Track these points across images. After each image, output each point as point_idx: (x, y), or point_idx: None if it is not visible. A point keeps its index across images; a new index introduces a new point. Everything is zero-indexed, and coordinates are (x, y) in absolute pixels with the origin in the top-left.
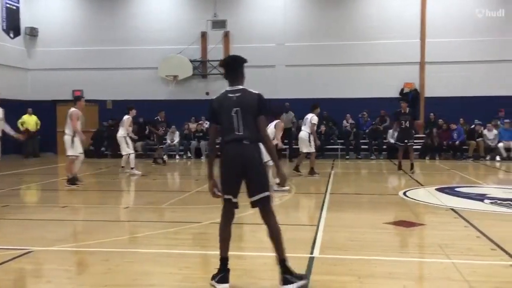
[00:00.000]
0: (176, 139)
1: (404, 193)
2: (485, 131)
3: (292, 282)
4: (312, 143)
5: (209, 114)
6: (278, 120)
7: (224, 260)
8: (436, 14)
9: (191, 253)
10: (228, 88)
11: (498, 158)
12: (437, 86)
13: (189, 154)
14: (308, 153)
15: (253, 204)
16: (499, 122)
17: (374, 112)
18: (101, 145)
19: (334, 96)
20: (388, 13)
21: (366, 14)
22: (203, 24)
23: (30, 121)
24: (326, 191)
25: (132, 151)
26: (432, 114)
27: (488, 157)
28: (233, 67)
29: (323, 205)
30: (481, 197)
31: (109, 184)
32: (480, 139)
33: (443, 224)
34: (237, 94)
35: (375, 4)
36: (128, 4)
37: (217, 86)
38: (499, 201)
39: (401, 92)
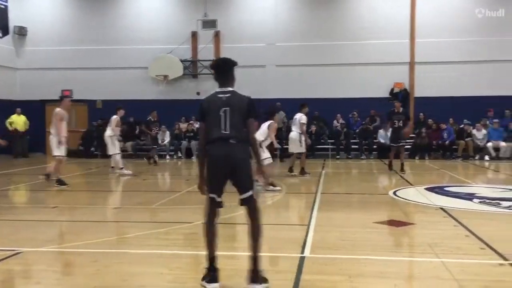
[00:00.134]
0: (167, 139)
1: (394, 193)
2: (474, 131)
3: (259, 282)
4: (303, 143)
5: (199, 113)
6: (272, 121)
7: (212, 259)
8: (426, 15)
9: (182, 253)
10: (218, 90)
11: (487, 157)
12: (427, 86)
13: (179, 154)
14: (299, 153)
15: (242, 202)
16: (488, 122)
17: (365, 112)
18: (91, 145)
19: (324, 96)
20: (378, 13)
21: (357, 14)
22: (194, 24)
23: (18, 121)
24: (317, 191)
25: (118, 151)
26: (421, 114)
27: (477, 157)
28: (224, 69)
29: (314, 205)
30: (470, 197)
31: (98, 184)
32: (469, 139)
33: (433, 224)
34: (227, 95)
35: (366, 5)
36: (118, 4)
37: (207, 86)
38: (487, 201)
39: (391, 92)
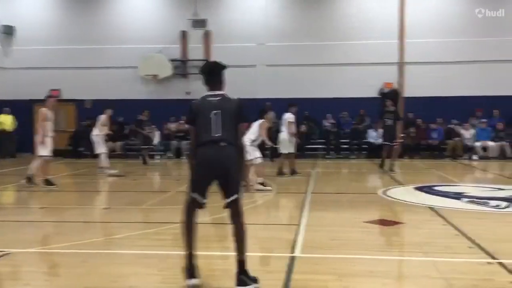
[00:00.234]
0: (156, 139)
1: (384, 192)
2: (463, 131)
3: (247, 284)
4: (293, 143)
5: (188, 116)
6: (263, 120)
7: (191, 256)
8: (415, 16)
9: (172, 253)
10: (208, 93)
11: (475, 157)
12: (416, 86)
13: (169, 154)
14: (288, 154)
15: (227, 205)
16: (476, 122)
17: (355, 112)
18: (79, 145)
19: (314, 96)
20: (368, 14)
21: (346, 14)
22: (183, 23)
23: (6, 120)
24: (307, 191)
25: (104, 151)
26: (411, 113)
27: (465, 156)
28: (213, 73)
29: (304, 204)
30: (458, 196)
31: (87, 184)
32: (457, 138)
33: (422, 223)
34: (217, 98)
35: (355, 5)
36: (107, 3)
37: (197, 86)
38: (476, 200)
39: (380, 92)
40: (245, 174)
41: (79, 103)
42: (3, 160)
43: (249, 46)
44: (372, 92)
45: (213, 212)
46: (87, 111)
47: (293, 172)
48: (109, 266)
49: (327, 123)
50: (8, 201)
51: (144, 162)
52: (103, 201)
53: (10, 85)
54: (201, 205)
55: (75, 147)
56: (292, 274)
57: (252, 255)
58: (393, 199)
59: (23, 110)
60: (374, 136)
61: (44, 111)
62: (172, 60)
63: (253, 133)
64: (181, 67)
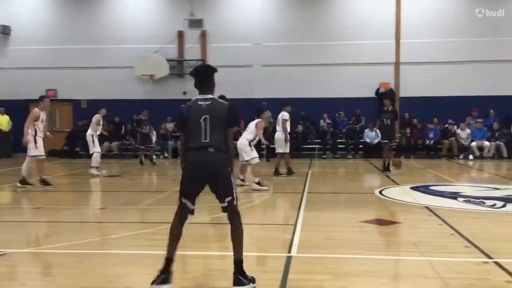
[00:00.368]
0: (153, 139)
1: (380, 192)
2: (458, 131)
3: (244, 284)
4: (288, 143)
5: (179, 121)
6: (259, 120)
7: (169, 260)
8: (410, 16)
9: None
10: (198, 97)
11: (471, 157)
12: (412, 86)
13: (166, 154)
14: (283, 153)
15: (224, 209)
16: (472, 122)
17: (351, 111)
18: (76, 145)
19: (311, 96)
20: (363, 14)
21: (342, 15)
22: (180, 23)
23: (2, 121)
24: (303, 191)
25: (98, 150)
26: (407, 113)
27: (461, 156)
28: (204, 76)
29: (300, 204)
30: (454, 196)
31: (84, 184)
32: (453, 138)
33: (418, 222)
34: (207, 102)
35: (351, 5)
36: (103, 3)
37: (193, 86)
38: (472, 199)
39: (377, 92)
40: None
41: (75, 103)
42: None
43: (245, 46)
44: (368, 92)
45: (212, 211)
46: (83, 111)
47: (289, 172)
48: (105, 266)
49: (324, 123)
50: (4, 202)
51: (141, 162)
52: (99, 201)
53: (6, 85)
54: (192, 212)
55: (71, 147)
56: (289, 274)
57: (248, 255)
58: (389, 198)
59: (18, 110)
60: (371, 136)
61: (36, 112)
62: (169, 60)
63: (250, 132)
64: (177, 67)
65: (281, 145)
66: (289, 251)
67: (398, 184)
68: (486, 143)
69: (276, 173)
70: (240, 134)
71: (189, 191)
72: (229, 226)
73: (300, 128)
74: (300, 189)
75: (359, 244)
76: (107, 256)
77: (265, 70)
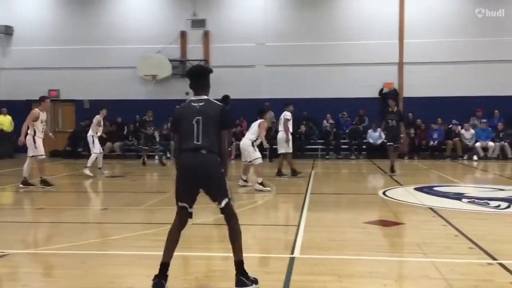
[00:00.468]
0: (156, 139)
1: (384, 193)
2: (462, 131)
3: (247, 285)
4: (290, 143)
5: (172, 123)
6: (262, 120)
7: (164, 265)
8: (414, 16)
9: None
10: (193, 98)
11: (475, 157)
12: (416, 86)
13: (168, 155)
14: (286, 154)
15: (222, 211)
16: (476, 122)
17: (354, 112)
18: (78, 146)
19: (314, 96)
20: (367, 14)
21: (346, 15)
22: (183, 23)
23: (4, 121)
24: (306, 191)
25: (97, 151)
26: (410, 114)
27: (465, 157)
28: (198, 77)
29: (303, 205)
30: (458, 196)
31: (86, 185)
32: (457, 139)
33: (422, 223)
34: (200, 104)
35: (355, 5)
36: (106, 3)
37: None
38: (476, 200)
39: (380, 92)
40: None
41: (78, 103)
42: (2, 161)
43: (248, 46)
44: (372, 92)
45: (215, 212)
46: (85, 111)
47: (294, 173)
48: (107, 267)
49: (327, 123)
50: (6, 202)
51: (144, 163)
52: (101, 202)
53: (9, 86)
54: (190, 215)
55: (74, 147)
56: (292, 275)
57: (251, 256)
58: (393, 199)
59: (21, 110)
60: (374, 136)
61: (36, 112)
62: (171, 60)
63: (253, 133)
64: (180, 67)
65: (283, 146)
66: (292, 252)
67: (401, 185)
68: (491, 143)
69: (279, 173)
70: (243, 135)
71: (184, 194)
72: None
73: (303, 128)
74: (303, 190)
75: (363, 245)
76: (109, 257)
77: (268, 70)
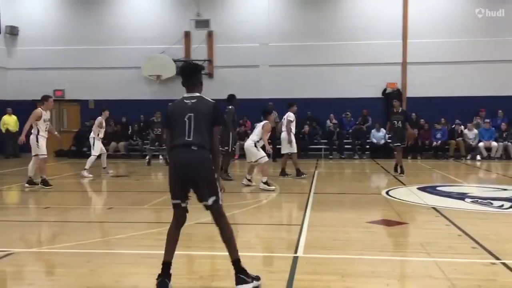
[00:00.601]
0: None
1: (387, 192)
2: (466, 131)
3: (247, 282)
4: (294, 144)
5: (164, 119)
6: (266, 121)
7: (166, 264)
8: (418, 16)
9: (175, 253)
10: (185, 95)
11: (478, 157)
12: (419, 86)
13: None
14: (291, 154)
15: (208, 208)
16: (479, 121)
17: (357, 112)
18: (83, 146)
19: (317, 96)
20: (370, 14)
21: (349, 15)
22: (186, 24)
23: (10, 121)
24: (310, 191)
25: (96, 154)
26: (414, 114)
27: (468, 157)
28: (190, 75)
29: (307, 204)
30: (462, 196)
31: (91, 185)
32: (460, 138)
33: (425, 223)
34: (192, 100)
35: (358, 6)
36: (110, 3)
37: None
38: (479, 200)
39: (384, 92)
40: (218, 180)
41: (82, 103)
42: (7, 160)
43: (252, 46)
44: (375, 92)
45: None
46: (90, 111)
47: (298, 173)
48: (113, 266)
49: (330, 123)
50: (12, 201)
51: (149, 163)
52: (106, 201)
53: (14, 86)
54: (184, 209)
55: (79, 147)
56: (295, 274)
57: (255, 255)
58: (396, 199)
59: (26, 110)
60: (377, 136)
61: (38, 112)
62: (175, 61)
63: (256, 134)
64: None
65: (287, 146)
66: (296, 252)
67: (405, 185)
68: (494, 143)
69: (283, 173)
70: (247, 135)
71: (175, 190)
72: (235, 226)
73: (306, 128)
74: (306, 190)
75: (366, 245)
76: (114, 256)
77: (272, 70)
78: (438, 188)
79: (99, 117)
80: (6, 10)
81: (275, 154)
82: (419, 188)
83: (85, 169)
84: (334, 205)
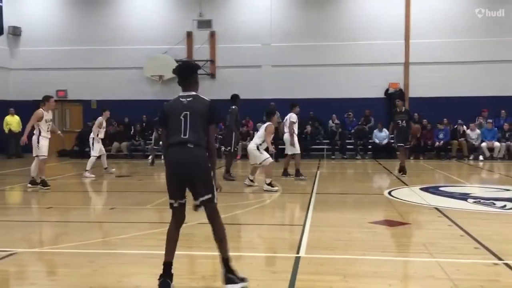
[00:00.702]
0: None
1: (389, 193)
2: (468, 131)
3: (236, 282)
4: (297, 145)
5: (160, 118)
6: (269, 123)
7: (167, 264)
8: (420, 16)
9: (177, 253)
10: (181, 94)
11: (481, 157)
12: (421, 86)
13: None
14: (293, 154)
15: (196, 207)
16: (482, 121)
17: (360, 112)
18: (86, 146)
19: (320, 96)
20: (372, 14)
21: (352, 15)
22: (189, 24)
23: (12, 121)
24: (312, 191)
25: (95, 154)
26: (416, 114)
27: (471, 157)
28: (185, 74)
29: (309, 205)
30: (464, 196)
31: (93, 185)
32: (462, 139)
33: (428, 223)
34: (188, 99)
35: (360, 5)
36: (113, 4)
37: (202, 86)
38: (482, 200)
39: (386, 92)
40: (214, 180)
41: (85, 103)
42: (10, 160)
43: (254, 46)
44: (378, 92)
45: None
46: (93, 111)
47: (297, 174)
48: (115, 266)
49: (332, 123)
50: (15, 201)
51: (152, 163)
52: (108, 201)
53: (16, 86)
54: (182, 207)
55: (81, 147)
56: (297, 275)
57: (257, 255)
58: (398, 199)
59: (29, 111)
60: (380, 136)
61: (40, 112)
62: (178, 61)
63: (259, 137)
64: None
65: (289, 147)
66: (298, 252)
67: (407, 185)
68: (497, 143)
69: (285, 173)
70: (249, 135)
71: (173, 189)
72: (237, 227)
73: (308, 128)
74: (308, 190)
75: (368, 245)
76: (117, 256)
77: (274, 71)
78: (441, 189)
79: (100, 117)
80: (9, 11)
81: (278, 154)
82: (421, 189)
83: (86, 170)
84: (336, 205)
